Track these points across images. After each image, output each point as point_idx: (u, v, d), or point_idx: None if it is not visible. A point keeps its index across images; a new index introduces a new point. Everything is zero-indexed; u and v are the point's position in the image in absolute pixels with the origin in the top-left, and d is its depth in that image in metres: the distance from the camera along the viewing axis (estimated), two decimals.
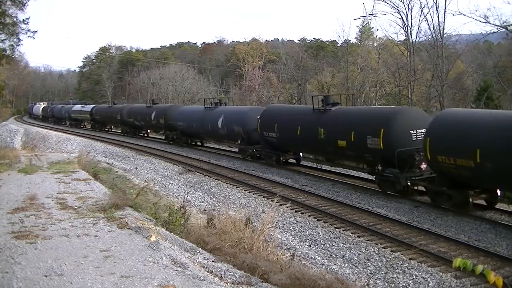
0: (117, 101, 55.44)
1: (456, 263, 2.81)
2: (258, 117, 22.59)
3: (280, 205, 12.89)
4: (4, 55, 26.38)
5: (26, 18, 25.64)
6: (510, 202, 14.00)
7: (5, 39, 25.76)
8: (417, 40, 35.70)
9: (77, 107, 58.16)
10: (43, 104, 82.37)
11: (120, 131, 45.08)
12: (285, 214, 13.03)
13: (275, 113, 22.37)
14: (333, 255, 10.85)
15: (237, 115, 25.66)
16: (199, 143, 32.30)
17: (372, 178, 17.08)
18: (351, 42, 47.51)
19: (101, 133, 47.45)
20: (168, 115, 33.46)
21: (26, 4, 24.67)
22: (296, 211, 14.14)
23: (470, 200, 13.29)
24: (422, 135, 14.42)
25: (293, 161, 22.74)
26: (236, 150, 27.83)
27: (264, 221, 8.93)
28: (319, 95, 22.49)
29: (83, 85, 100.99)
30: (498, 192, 13.65)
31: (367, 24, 46.11)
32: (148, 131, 41.48)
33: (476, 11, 42.41)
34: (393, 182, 15.13)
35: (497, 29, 27.08)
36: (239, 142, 25.21)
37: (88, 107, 53.72)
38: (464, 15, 28.00)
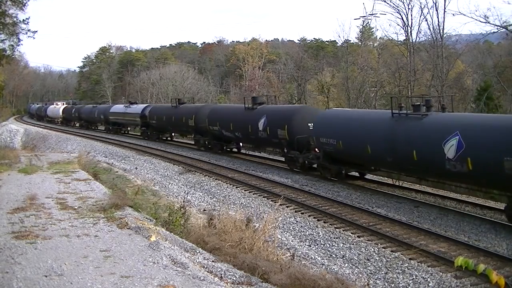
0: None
1: (458, 262, 2.81)
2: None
3: (287, 207, 12.94)
4: (4, 55, 26.38)
5: (26, 18, 25.71)
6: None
7: (5, 39, 25.82)
8: (417, 40, 35.66)
9: (118, 107, 44.65)
10: (61, 103, 70.61)
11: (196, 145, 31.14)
12: (285, 214, 13.02)
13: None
14: (333, 255, 10.84)
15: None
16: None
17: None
18: (351, 42, 47.56)
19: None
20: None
21: (26, 4, 24.72)
22: (296, 211, 14.13)
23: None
24: None
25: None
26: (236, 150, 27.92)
27: (266, 222, 8.93)
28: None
29: (83, 85, 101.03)
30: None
31: (367, 24, 46.14)
32: (173, 134, 36.64)
33: (476, 11, 42.28)
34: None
35: (497, 29, 27.05)
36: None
37: (137, 108, 39.59)
38: (464, 15, 27.95)
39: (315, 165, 19.83)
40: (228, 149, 27.61)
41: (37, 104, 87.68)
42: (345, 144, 17.15)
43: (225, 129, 25.71)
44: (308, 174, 19.74)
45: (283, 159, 22.46)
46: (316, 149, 18.94)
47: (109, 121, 45.43)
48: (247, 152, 26.86)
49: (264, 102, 25.08)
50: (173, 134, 36.50)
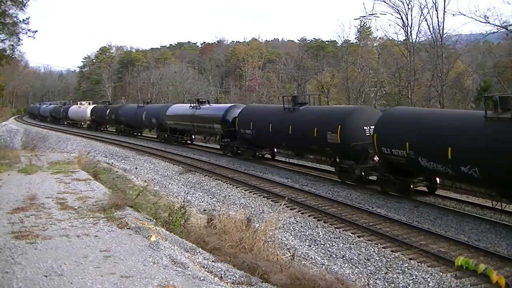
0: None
1: (458, 262, 2.81)
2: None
3: (288, 207, 12.93)
4: (4, 55, 26.38)
5: (26, 18, 25.71)
6: (509, 202, 13.98)
7: (5, 39, 25.82)
8: (417, 40, 35.69)
9: (181, 108, 32.83)
10: (86, 103, 58.28)
11: None
12: (285, 214, 13.02)
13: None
14: (333, 255, 10.84)
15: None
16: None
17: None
18: (351, 42, 47.55)
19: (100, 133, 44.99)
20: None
21: (26, 4, 24.71)
22: (296, 211, 14.13)
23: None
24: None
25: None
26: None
27: (267, 223, 8.93)
28: None
29: (83, 85, 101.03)
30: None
31: (365, 24, 46.16)
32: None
33: (476, 11, 42.08)
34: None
35: (497, 29, 27.06)
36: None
37: (215, 109, 28.56)
38: (464, 15, 27.92)
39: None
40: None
41: (49, 103, 76.77)
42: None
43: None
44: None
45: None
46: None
47: (164, 126, 34.06)
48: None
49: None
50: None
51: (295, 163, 22.53)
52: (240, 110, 25.21)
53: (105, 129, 50.33)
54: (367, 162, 16.89)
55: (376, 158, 16.43)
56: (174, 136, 32.70)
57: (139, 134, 42.75)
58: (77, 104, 60.67)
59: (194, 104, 29.76)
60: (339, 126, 17.22)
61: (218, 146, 28.39)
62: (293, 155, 22.65)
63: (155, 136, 37.69)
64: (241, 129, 23.95)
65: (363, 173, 16.85)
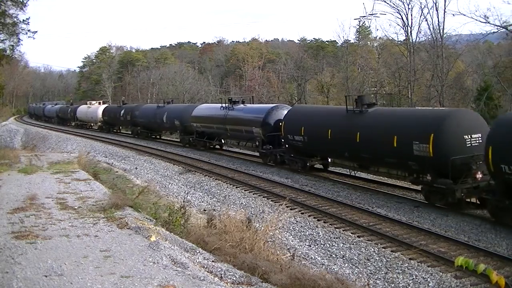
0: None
1: (458, 262, 2.81)
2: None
3: (289, 208, 12.93)
4: (4, 55, 26.39)
5: (26, 18, 25.73)
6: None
7: (5, 39, 25.82)
8: (417, 40, 35.69)
9: (211, 108, 29.19)
10: (96, 103, 54.28)
11: None
12: (285, 214, 13.02)
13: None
14: (333, 255, 10.84)
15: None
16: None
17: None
18: (350, 42, 47.57)
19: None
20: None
21: (26, 4, 24.73)
22: (296, 211, 14.13)
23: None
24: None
25: None
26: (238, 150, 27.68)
27: (268, 223, 8.93)
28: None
29: (83, 85, 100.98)
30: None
31: (364, 24, 46.18)
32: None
33: (476, 11, 42.20)
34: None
35: (497, 29, 27.09)
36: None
37: (253, 109, 25.30)
38: (464, 15, 27.97)
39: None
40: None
41: (54, 103, 72.97)
42: None
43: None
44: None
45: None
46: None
47: (189, 129, 30.26)
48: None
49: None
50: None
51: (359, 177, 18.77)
52: (287, 112, 21.53)
53: (118, 131, 46.17)
54: (467, 180, 13.43)
55: (479, 175, 13.20)
56: (201, 141, 28.85)
57: (158, 137, 38.40)
58: (86, 103, 56.41)
59: (226, 104, 26.09)
60: (432, 135, 13.58)
61: (255, 153, 25.08)
62: (358, 168, 18.43)
63: (178, 140, 33.73)
64: (288, 135, 20.14)
65: (463, 195, 13.41)
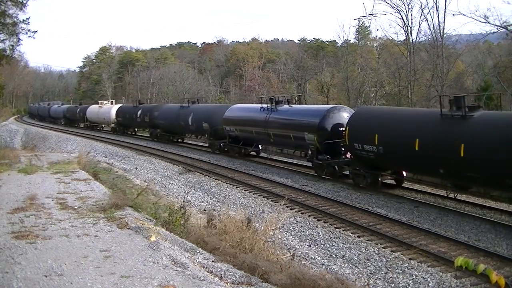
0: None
1: (458, 262, 2.81)
2: None
3: (288, 207, 12.93)
4: (4, 55, 26.41)
5: (26, 18, 25.76)
6: (510, 202, 13.93)
7: (5, 39, 25.84)
8: (417, 40, 35.72)
9: (246, 109, 26.42)
10: (108, 102, 51.60)
11: None
12: (285, 214, 13.03)
13: None
14: (333, 255, 10.84)
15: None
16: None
17: None
18: (350, 42, 47.60)
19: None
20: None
21: (26, 4, 24.76)
22: (296, 211, 14.13)
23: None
24: None
25: None
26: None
27: (267, 223, 8.94)
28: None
29: (83, 85, 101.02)
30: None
31: (364, 24, 46.19)
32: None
33: (476, 11, 42.18)
34: None
35: (497, 29, 27.04)
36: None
37: (310, 111, 21.70)
38: (464, 15, 27.95)
39: None
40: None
41: (60, 103, 69.74)
42: None
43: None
44: (307, 174, 18.81)
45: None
46: None
47: (220, 133, 26.48)
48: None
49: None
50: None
51: None
52: (350, 115, 17.82)
53: (134, 133, 43.09)
54: None
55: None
56: (236, 147, 25.18)
57: (180, 140, 34.78)
58: (97, 103, 52.94)
59: (267, 105, 22.57)
60: None
61: (304, 162, 21.30)
62: (453, 188, 14.71)
63: (206, 146, 29.61)
64: (354, 143, 16.45)
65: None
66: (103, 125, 48.89)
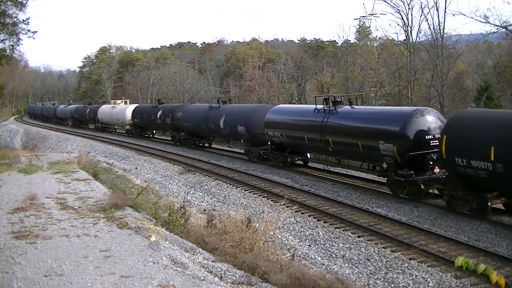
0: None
1: (458, 262, 2.81)
2: None
3: (287, 207, 12.92)
4: (4, 55, 26.41)
5: (26, 18, 25.76)
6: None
7: (5, 39, 25.85)
8: (417, 40, 35.73)
9: (302, 109, 22.90)
10: (121, 102, 48.28)
11: None
12: (285, 214, 13.03)
13: None
14: (333, 255, 10.84)
15: None
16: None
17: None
18: (350, 42, 47.61)
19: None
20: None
21: (26, 5, 24.77)
22: (296, 211, 14.12)
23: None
24: None
25: None
26: (237, 150, 27.62)
27: (267, 223, 8.94)
28: None
29: (83, 85, 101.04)
30: None
31: (364, 24, 46.21)
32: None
33: (476, 11, 42.16)
34: None
35: (497, 29, 27.05)
36: None
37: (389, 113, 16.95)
38: (464, 15, 27.93)
39: None
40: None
41: (68, 103, 66.60)
42: None
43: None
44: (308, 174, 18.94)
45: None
46: None
47: (260, 138, 22.81)
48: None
49: None
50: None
51: None
52: (450, 120, 14.32)
53: (151, 135, 39.38)
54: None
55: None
56: (281, 155, 21.34)
57: (207, 145, 30.96)
58: (109, 103, 49.82)
59: (324, 106, 18.48)
60: None
61: (369, 175, 18.11)
62: None
63: (242, 152, 25.69)
64: (456, 157, 12.66)
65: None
66: (116, 127, 45.63)
